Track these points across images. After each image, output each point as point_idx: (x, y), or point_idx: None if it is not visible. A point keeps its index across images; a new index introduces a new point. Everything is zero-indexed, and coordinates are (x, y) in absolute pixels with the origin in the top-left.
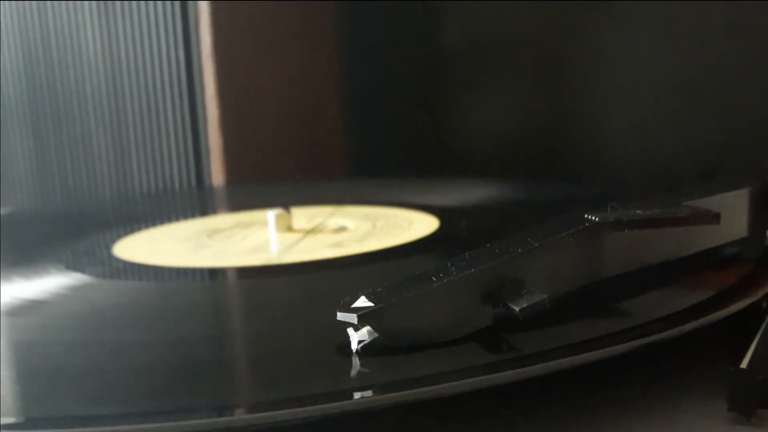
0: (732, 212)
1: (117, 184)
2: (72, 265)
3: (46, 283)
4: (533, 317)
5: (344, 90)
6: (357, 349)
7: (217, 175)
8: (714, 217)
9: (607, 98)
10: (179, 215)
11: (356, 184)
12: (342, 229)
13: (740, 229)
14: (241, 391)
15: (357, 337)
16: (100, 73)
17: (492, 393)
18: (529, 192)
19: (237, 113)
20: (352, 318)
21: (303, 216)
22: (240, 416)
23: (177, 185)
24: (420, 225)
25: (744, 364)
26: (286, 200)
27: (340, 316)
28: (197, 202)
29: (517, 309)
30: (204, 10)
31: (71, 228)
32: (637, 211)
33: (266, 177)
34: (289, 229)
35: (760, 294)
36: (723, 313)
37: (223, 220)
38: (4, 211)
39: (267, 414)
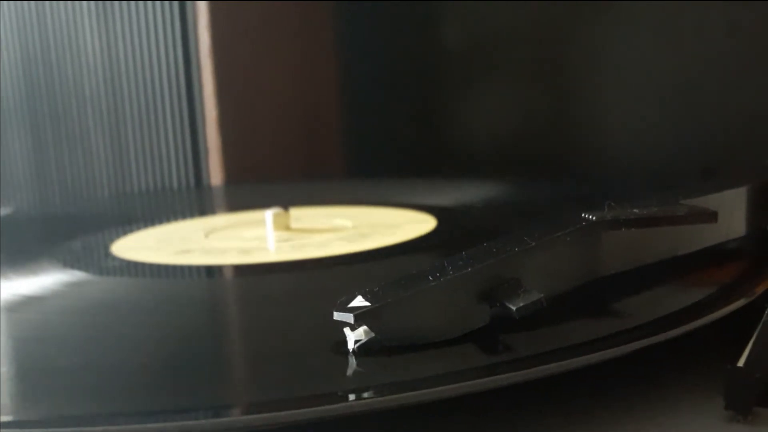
0: (730, 211)
1: (115, 183)
2: (70, 263)
3: (44, 280)
4: (530, 316)
5: (343, 90)
6: (354, 349)
7: (215, 174)
8: (712, 216)
9: (605, 98)
10: (177, 214)
11: (355, 183)
12: (340, 228)
13: (738, 227)
14: (237, 390)
15: (354, 337)
16: (98, 73)
17: (489, 393)
18: (528, 192)
19: (236, 113)
20: (349, 318)
21: (301, 216)
22: (235, 417)
23: (175, 185)
24: (418, 225)
25: (741, 363)
26: (284, 200)
27: (337, 315)
28: (195, 202)
29: (514, 308)
30: (202, 10)
31: (70, 227)
32: (635, 210)
33: (265, 176)
34: (287, 228)
35: (757, 293)
36: (720, 312)
37: (221, 219)
38: (4, 210)
39: (263, 416)
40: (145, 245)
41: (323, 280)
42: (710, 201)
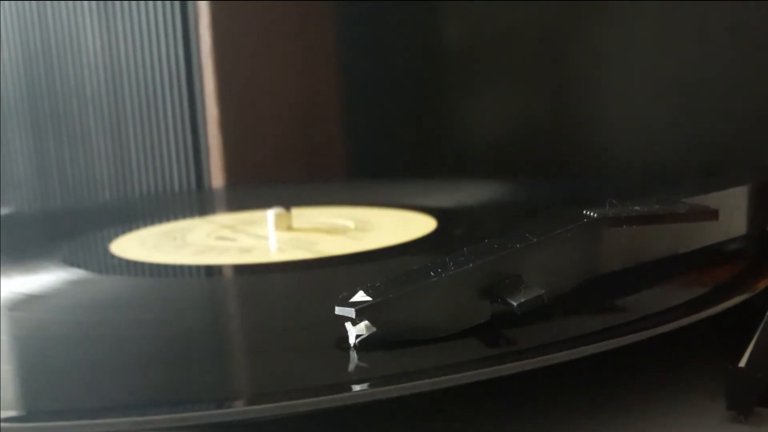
0: (730, 209)
1: (116, 183)
2: (69, 261)
3: (44, 279)
4: (531, 312)
5: (344, 90)
6: (355, 344)
7: (216, 174)
8: (712, 214)
9: (606, 97)
10: (178, 215)
11: (355, 184)
12: (341, 228)
13: (739, 226)
14: (239, 385)
15: (355, 332)
16: (99, 73)
17: (489, 388)
18: (528, 192)
19: (237, 113)
20: (350, 312)
21: (302, 216)
22: (237, 408)
23: (176, 185)
24: (418, 225)
25: (742, 363)
26: (285, 200)
27: (338, 310)
28: (196, 202)
29: (515, 304)
30: (204, 10)
31: (70, 226)
32: (636, 208)
33: (266, 177)
34: (289, 228)
35: (757, 289)
36: (720, 308)
37: (222, 219)
38: (4, 210)
39: (265, 406)
40: (146, 244)
41: (324, 280)
42: (711, 199)
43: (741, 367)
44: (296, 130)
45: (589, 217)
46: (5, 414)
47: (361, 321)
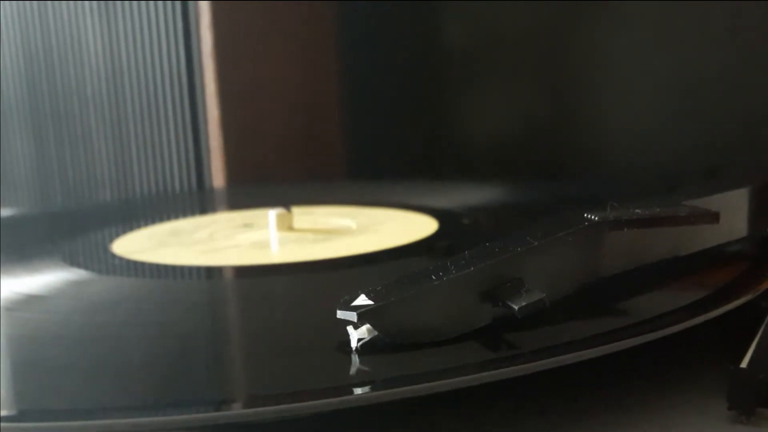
0: (731, 211)
1: (117, 183)
2: (70, 261)
3: (45, 279)
4: (532, 316)
5: (344, 90)
6: (357, 347)
7: (217, 174)
8: (713, 217)
9: (607, 99)
10: (179, 214)
11: (356, 184)
12: (342, 229)
13: (740, 228)
14: (239, 387)
15: (357, 335)
16: (100, 73)
17: (490, 391)
18: (529, 192)
19: (237, 113)
20: (352, 316)
21: (303, 216)
22: (237, 410)
23: (177, 185)
24: (419, 226)
25: (744, 364)
26: (286, 200)
27: (340, 314)
28: (197, 202)
29: (516, 308)
30: (204, 10)
31: (71, 226)
32: (637, 211)
33: (266, 177)
34: (290, 228)
35: (758, 291)
36: (721, 310)
37: (222, 219)
38: (5, 210)
39: (265, 408)
40: (146, 244)
41: (326, 281)
42: (712, 202)
43: (742, 368)
44: (297, 130)
45: (590, 220)
46: (5, 413)
47: (362, 325)
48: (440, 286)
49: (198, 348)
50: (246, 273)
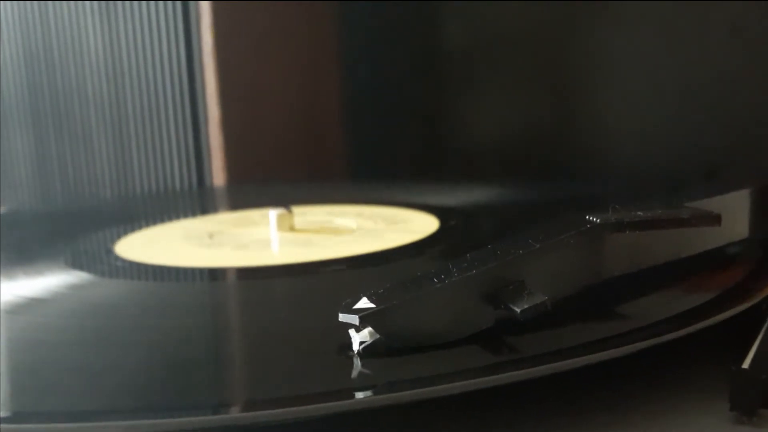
0: (733, 213)
1: (117, 183)
2: (72, 264)
3: (47, 282)
4: (534, 319)
5: (345, 90)
6: (358, 350)
7: (217, 174)
8: (715, 219)
9: (607, 99)
10: (180, 214)
11: (356, 184)
12: (343, 229)
13: (741, 230)
14: (241, 390)
15: (358, 338)
16: (101, 72)
17: (492, 394)
18: (530, 193)
19: (238, 113)
20: (354, 319)
21: (303, 216)
22: (238, 414)
23: (178, 184)
24: (420, 225)
25: (746, 364)
26: (286, 200)
27: (342, 317)
28: (198, 201)
29: (518, 310)
30: (205, 10)
31: (72, 227)
32: (639, 213)
33: (267, 176)
34: (291, 228)
35: (761, 296)
36: (724, 315)
37: (223, 219)
38: (5, 210)
39: (266, 412)
40: (148, 245)
41: (327, 281)
42: (714, 204)
43: (744, 369)
44: (298, 130)
45: (591, 222)
46: (4, 415)
47: (364, 328)
48: (442, 289)
49: (197, 351)
50: (247, 275)
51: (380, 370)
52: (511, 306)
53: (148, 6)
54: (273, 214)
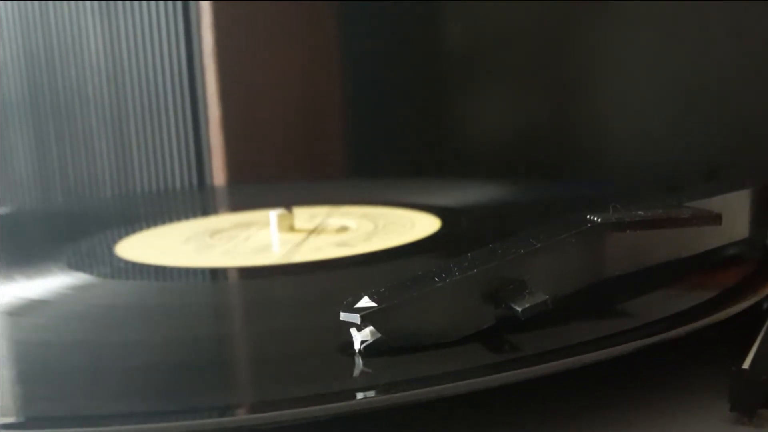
0: (733, 213)
1: (118, 183)
2: (74, 265)
3: (48, 283)
4: (535, 318)
5: (345, 90)
6: (360, 349)
7: (218, 174)
8: (715, 218)
9: (608, 98)
10: (181, 215)
11: (356, 184)
12: (343, 229)
13: (742, 230)
14: (244, 391)
15: (360, 337)
16: (101, 73)
17: (494, 393)
18: (531, 192)
19: (238, 113)
20: (356, 318)
21: (304, 216)
22: (242, 416)
23: (178, 184)
24: (422, 225)
25: (746, 365)
26: (286, 200)
27: (344, 316)
28: (198, 202)
29: (519, 309)
30: (206, 10)
31: (73, 227)
32: (639, 212)
33: (267, 177)
34: (292, 229)
35: (761, 295)
36: (724, 314)
37: (224, 219)
38: (5, 210)
39: (269, 414)
40: (149, 246)
41: (328, 281)
42: (714, 203)
43: (744, 369)
44: (298, 130)
45: (592, 222)
46: (5, 420)
47: (366, 327)
48: (443, 288)
49: (199, 351)
50: (249, 275)
51: (381, 369)
52: (512, 305)
53: (148, 6)
54: (273, 214)
